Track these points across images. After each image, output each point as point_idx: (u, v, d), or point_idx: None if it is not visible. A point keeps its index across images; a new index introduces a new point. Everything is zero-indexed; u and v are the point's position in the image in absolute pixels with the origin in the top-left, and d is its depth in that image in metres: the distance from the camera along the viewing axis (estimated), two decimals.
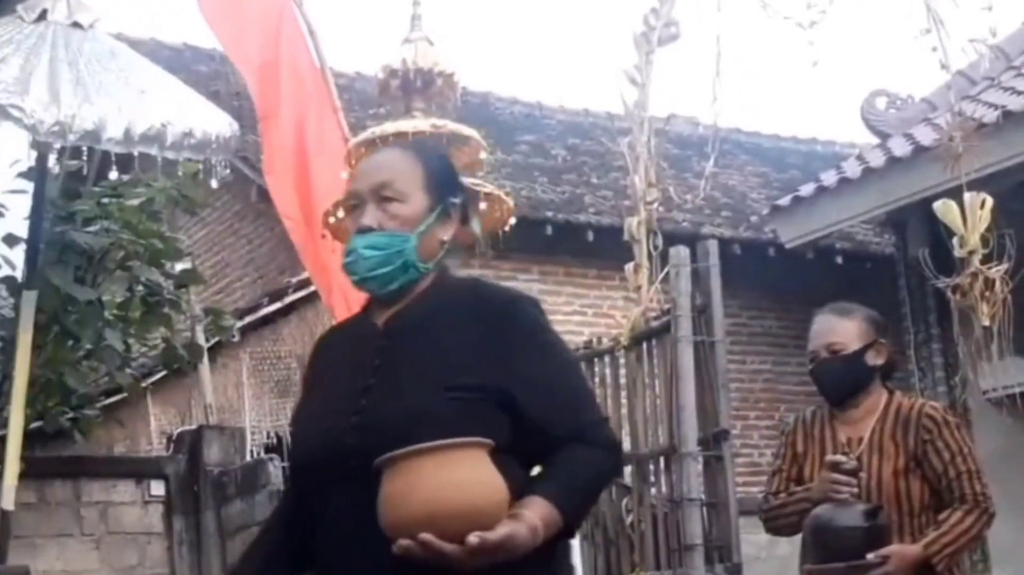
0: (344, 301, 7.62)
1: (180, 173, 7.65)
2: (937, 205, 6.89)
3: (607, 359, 7.21)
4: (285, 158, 7.66)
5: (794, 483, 4.03)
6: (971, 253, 6.89)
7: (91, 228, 7.76)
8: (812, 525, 3.81)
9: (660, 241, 7.02)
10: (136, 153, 5.25)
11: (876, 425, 3.95)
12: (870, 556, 3.67)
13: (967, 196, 6.88)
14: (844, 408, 4.03)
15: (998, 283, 6.87)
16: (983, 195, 6.90)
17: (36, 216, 6.15)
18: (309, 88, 7.76)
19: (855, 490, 3.76)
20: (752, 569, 8.61)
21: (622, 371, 7.08)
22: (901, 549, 3.74)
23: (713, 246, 6.86)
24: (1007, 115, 9.08)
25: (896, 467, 3.86)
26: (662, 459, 6.70)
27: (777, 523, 4.15)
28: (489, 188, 6.29)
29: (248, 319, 11.08)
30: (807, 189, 11.04)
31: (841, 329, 4.03)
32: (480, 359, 2.51)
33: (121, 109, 5.16)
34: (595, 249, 11.32)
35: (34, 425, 7.60)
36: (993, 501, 3.89)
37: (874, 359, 4.01)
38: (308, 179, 7.60)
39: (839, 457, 3.82)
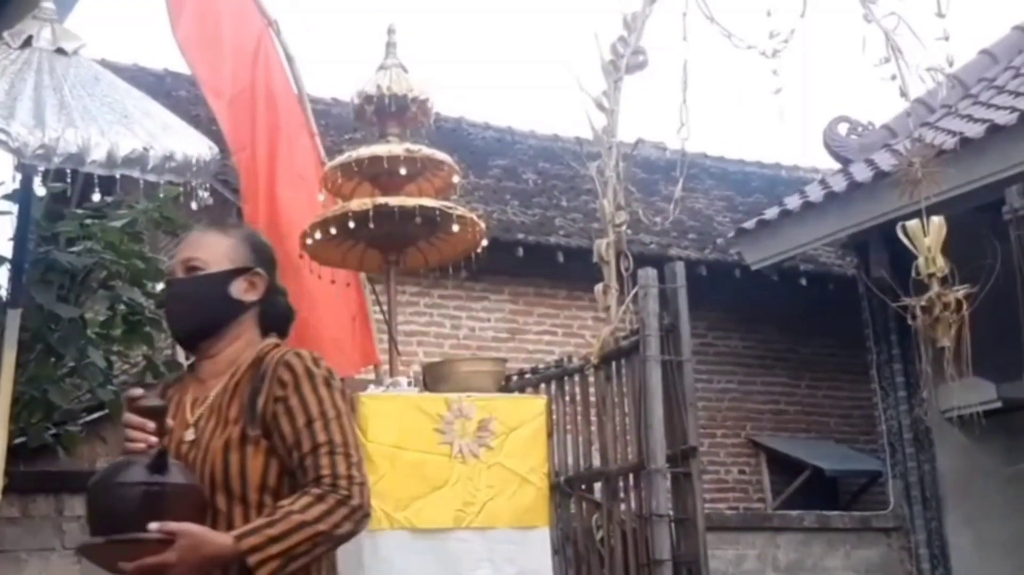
0: (292, 329, 7.73)
1: (161, 195, 7.76)
2: (910, 225, 7.07)
3: (577, 378, 7.29)
4: (255, 187, 7.78)
5: None
6: (931, 276, 7.07)
7: (74, 248, 7.81)
8: (89, 486, 2.72)
9: (629, 263, 7.12)
10: (118, 176, 5.31)
11: (229, 381, 2.91)
12: (153, 527, 2.58)
13: (934, 219, 7.06)
14: (201, 356, 3.01)
15: (960, 305, 7.05)
16: (939, 219, 7.10)
17: (21, 237, 6.19)
18: (282, 114, 7.87)
19: (154, 439, 2.71)
20: None
21: (592, 390, 7.17)
22: (201, 531, 2.63)
23: (680, 268, 6.94)
24: (965, 142, 9.27)
25: (230, 437, 2.80)
26: (631, 476, 6.77)
27: None
28: (462, 211, 6.41)
29: None
30: (771, 212, 11.24)
31: (207, 244, 3.04)
32: None
33: (104, 133, 5.17)
34: (565, 270, 11.46)
35: (18, 441, 7.62)
36: (365, 492, 2.78)
37: (244, 292, 3.01)
38: (276, 206, 7.71)
39: (136, 391, 2.79)
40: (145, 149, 5.17)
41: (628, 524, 6.76)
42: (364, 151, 6.37)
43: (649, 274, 6.83)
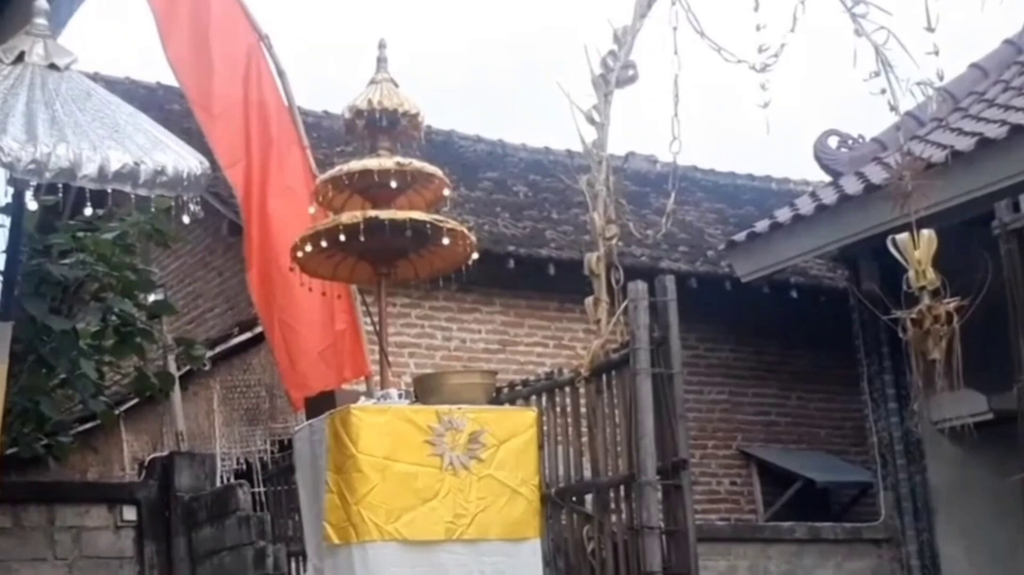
0: (283, 341, 7.77)
1: (153, 208, 7.78)
2: (900, 238, 7.08)
3: (568, 390, 7.30)
4: (251, 200, 7.82)
5: None
6: (922, 289, 7.09)
7: (67, 260, 7.85)
8: None
9: (620, 275, 7.11)
10: (110, 189, 5.33)
11: None
12: None
13: (924, 232, 7.08)
14: None
15: (951, 317, 7.06)
16: (930, 232, 7.12)
17: (13, 249, 6.23)
18: (274, 127, 7.91)
19: None
20: None
21: (582, 402, 7.18)
22: None
23: (670, 281, 6.94)
24: (954, 155, 9.29)
25: None
26: (622, 488, 6.76)
27: None
28: (452, 224, 6.43)
29: (219, 349, 11.15)
30: (762, 225, 11.26)
31: None
32: None
33: (96, 148, 5.17)
34: (556, 282, 11.48)
35: (9, 451, 7.67)
36: None
37: None
38: (268, 219, 7.75)
39: None
40: (136, 164, 5.18)
41: (619, 536, 6.76)
42: (355, 165, 6.39)
43: (639, 287, 6.83)
